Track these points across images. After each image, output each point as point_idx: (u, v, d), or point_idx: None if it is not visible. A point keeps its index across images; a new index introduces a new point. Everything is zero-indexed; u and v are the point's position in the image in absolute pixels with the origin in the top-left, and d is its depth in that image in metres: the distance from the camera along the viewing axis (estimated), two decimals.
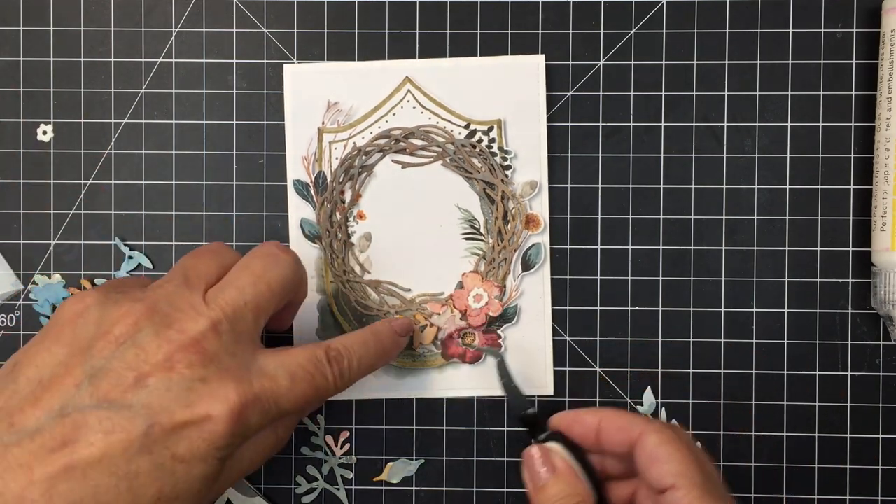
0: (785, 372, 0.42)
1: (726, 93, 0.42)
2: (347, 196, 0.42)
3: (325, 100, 0.42)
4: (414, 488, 0.42)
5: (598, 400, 0.42)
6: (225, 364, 0.32)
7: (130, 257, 0.42)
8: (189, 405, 0.31)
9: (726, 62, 0.42)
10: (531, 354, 0.42)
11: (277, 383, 0.33)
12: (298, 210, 0.42)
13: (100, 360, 0.31)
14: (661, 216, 0.42)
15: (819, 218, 0.42)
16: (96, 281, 0.42)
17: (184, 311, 0.33)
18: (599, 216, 0.42)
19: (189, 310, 0.33)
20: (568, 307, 0.42)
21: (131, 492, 0.30)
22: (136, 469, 0.30)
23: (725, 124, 0.42)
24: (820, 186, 0.42)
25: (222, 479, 0.33)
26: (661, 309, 0.42)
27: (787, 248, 0.42)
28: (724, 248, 0.42)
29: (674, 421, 0.42)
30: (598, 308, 0.42)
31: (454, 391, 0.42)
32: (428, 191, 0.42)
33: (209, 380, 0.32)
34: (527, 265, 0.42)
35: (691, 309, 0.42)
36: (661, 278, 0.42)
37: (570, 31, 0.42)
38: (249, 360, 0.33)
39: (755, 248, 0.42)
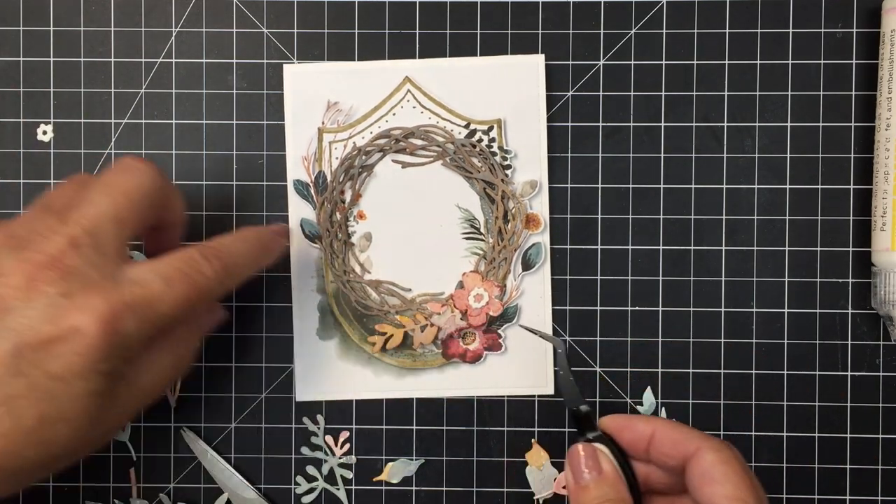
0: (785, 372, 0.42)
1: (726, 93, 0.42)
2: (347, 196, 0.42)
3: (325, 100, 0.42)
4: (414, 488, 0.42)
5: (597, 400, 0.42)
6: (89, 278, 0.32)
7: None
8: (53, 320, 0.31)
9: (726, 62, 0.42)
10: (531, 354, 0.42)
11: (149, 288, 0.32)
12: (298, 210, 0.42)
13: None
14: (661, 216, 0.42)
15: (819, 218, 0.42)
16: None
17: (40, 233, 0.32)
18: (599, 216, 0.42)
19: (46, 231, 0.32)
20: (568, 307, 0.42)
21: (11, 415, 0.30)
22: (12, 393, 0.30)
23: (725, 124, 0.42)
24: (820, 186, 0.42)
25: (120, 402, 0.33)
26: (661, 309, 0.42)
27: (787, 248, 0.42)
28: (724, 248, 0.42)
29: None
30: (598, 308, 0.42)
31: (454, 391, 0.42)
32: (428, 191, 0.42)
33: (73, 294, 0.31)
34: (527, 265, 0.42)
35: (691, 309, 0.42)
36: (661, 278, 0.42)
37: (570, 31, 0.42)
38: (116, 271, 0.33)
39: (755, 248, 0.42)
